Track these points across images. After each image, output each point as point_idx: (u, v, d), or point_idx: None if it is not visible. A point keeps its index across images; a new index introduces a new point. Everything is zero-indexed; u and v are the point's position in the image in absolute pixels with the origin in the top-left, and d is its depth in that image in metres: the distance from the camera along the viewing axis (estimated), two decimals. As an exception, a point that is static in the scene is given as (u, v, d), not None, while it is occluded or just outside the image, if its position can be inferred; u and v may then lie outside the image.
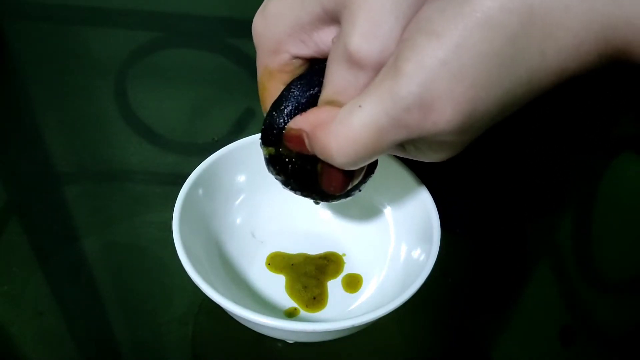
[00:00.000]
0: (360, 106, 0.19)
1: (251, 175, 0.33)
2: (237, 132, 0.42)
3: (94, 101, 0.45)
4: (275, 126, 0.23)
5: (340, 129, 0.19)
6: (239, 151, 0.32)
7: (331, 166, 0.21)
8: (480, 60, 0.17)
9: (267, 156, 0.24)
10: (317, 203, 0.27)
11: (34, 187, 0.38)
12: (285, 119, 0.23)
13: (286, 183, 0.25)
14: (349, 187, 0.24)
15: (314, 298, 0.30)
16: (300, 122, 0.22)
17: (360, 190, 0.26)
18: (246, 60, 0.48)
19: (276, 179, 0.25)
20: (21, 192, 0.38)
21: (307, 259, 0.32)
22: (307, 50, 0.23)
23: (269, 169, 0.25)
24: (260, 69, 0.25)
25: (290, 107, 0.23)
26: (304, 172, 0.24)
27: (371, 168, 0.25)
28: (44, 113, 0.44)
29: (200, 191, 0.30)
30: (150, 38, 0.51)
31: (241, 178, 0.33)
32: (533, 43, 0.17)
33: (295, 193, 0.25)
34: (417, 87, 0.18)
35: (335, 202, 0.26)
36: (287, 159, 0.24)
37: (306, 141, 0.22)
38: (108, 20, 0.53)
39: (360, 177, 0.24)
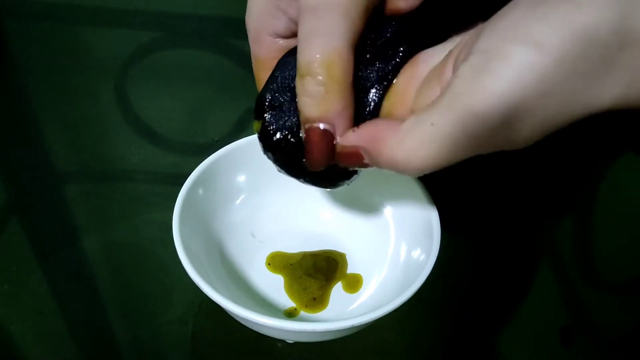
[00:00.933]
0: (432, 124, 0.18)
1: (251, 175, 0.33)
2: (237, 132, 0.42)
3: (94, 101, 0.45)
4: (264, 99, 0.23)
5: (408, 144, 0.19)
6: (239, 151, 0.32)
7: (322, 133, 0.21)
8: (575, 77, 0.16)
9: (257, 131, 0.24)
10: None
11: (34, 187, 0.38)
12: (273, 89, 0.23)
13: (274, 160, 0.24)
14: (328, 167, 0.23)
15: (314, 299, 0.30)
16: (353, 139, 0.21)
17: (348, 184, 0.25)
18: (246, 60, 0.48)
19: (266, 155, 0.24)
20: (21, 192, 0.38)
21: (307, 259, 0.32)
22: (282, 24, 0.23)
23: (261, 146, 0.24)
24: (253, 62, 0.25)
25: (279, 77, 0.23)
26: (292, 149, 0.23)
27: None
28: (44, 113, 0.44)
29: (200, 191, 0.30)
30: (151, 38, 0.51)
31: (241, 178, 0.33)
32: (625, 67, 0.16)
33: (284, 172, 0.25)
34: (505, 106, 0.16)
35: (324, 188, 0.25)
36: (275, 135, 0.23)
37: (365, 157, 0.21)
38: (108, 20, 0.53)
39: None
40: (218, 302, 0.24)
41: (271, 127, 0.23)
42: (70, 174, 0.39)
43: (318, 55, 0.20)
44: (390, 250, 0.32)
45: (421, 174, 0.20)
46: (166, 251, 0.33)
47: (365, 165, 0.21)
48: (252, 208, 0.33)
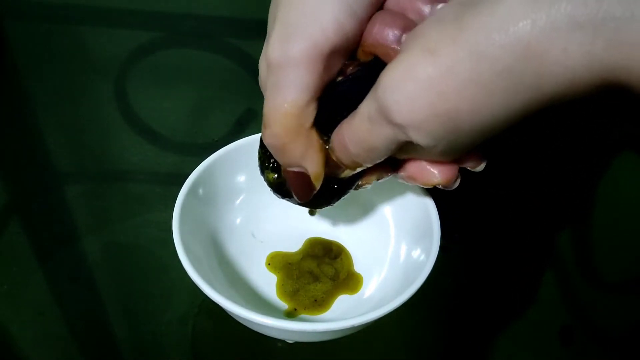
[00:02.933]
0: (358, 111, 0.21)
1: (251, 175, 0.33)
2: (237, 132, 0.42)
3: (94, 101, 0.45)
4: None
5: (347, 129, 0.22)
6: (239, 151, 0.31)
7: (295, 175, 0.24)
8: (467, 87, 0.18)
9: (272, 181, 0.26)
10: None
11: (34, 187, 0.38)
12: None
13: (269, 184, 0.26)
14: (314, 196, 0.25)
15: (316, 301, 0.30)
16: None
17: (332, 204, 0.26)
18: (246, 60, 0.48)
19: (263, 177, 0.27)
20: (21, 192, 0.38)
21: (308, 260, 0.32)
22: None
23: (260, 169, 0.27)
24: None
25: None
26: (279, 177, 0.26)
27: (351, 182, 0.26)
28: (44, 113, 0.44)
29: (200, 191, 0.30)
30: (151, 38, 0.51)
31: (241, 178, 0.33)
32: (528, 76, 0.17)
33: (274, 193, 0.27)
34: (401, 96, 0.19)
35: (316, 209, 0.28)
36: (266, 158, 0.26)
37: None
38: (108, 20, 0.53)
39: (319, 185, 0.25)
40: (218, 302, 0.24)
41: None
42: (70, 174, 0.39)
43: (274, 107, 0.22)
44: (390, 250, 0.32)
45: (369, 159, 0.22)
46: (166, 251, 0.33)
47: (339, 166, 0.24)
48: (252, 208, 0.33)
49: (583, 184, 0.41)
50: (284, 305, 0.30)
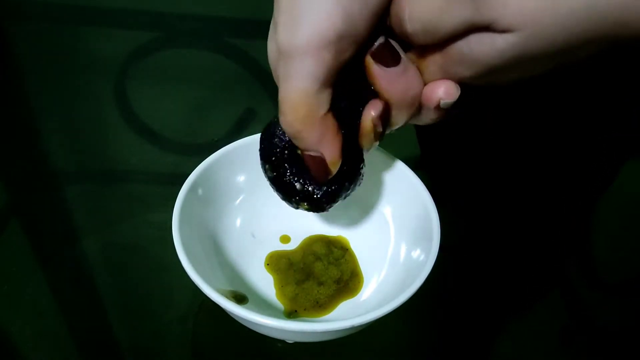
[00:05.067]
0: None
1: (251, 175, 0.33)
2: (237, 132, 0.42)
3: (94, 101, 0.45)
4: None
5: (411, 2, 0.20)
6: (239, 151, 0.31)
7: (312, 158, 0.24)
8: None
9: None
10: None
11: (34, 187, 0.38)
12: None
13: (272, 180, 0.26)
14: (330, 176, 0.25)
15: (317, 303, 0.30)
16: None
17: (338, 201, 0.27)
18: (246, 60, 0.48)
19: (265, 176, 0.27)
20: (21, 192, 0.38)
21: (309, 259, 0.32)
22: None
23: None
24: None
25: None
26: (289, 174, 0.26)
27: (353, 177, 0.26)
28: (44, 113, 0.44)
29: (200, 191, 0.30)
30: (150, 38, 0.51)
31: (241, 178, 0.33)
32: None
33: (278, 194, 0.27)
34: None
35: (320, 212, 0.27)
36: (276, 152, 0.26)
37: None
38: (108, 20, 0.53)
39: (339, 164, 0.25)
40: (218, 302, 0.24)
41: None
42: (70, 174, 0.39)
43: (287, 96, 0.22)
44: (390, 250, 0.32)
45: (428, 32, 0.20)
46: (166, 251, 0.33)
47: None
48: (251, 208, 0.33)
49: (583, 184, 0.41)
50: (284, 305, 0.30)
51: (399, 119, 0.24)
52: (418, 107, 0.24)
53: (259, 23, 0.52)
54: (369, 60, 0.22)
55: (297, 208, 0.27)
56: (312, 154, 0.24)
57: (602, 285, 0.35)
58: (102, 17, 0.53)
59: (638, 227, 0.38)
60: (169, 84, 0.47)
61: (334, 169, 0.24)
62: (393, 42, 0.22)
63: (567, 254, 0.37)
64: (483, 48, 0.20)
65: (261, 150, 0.26)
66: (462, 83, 0.23)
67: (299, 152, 0.24)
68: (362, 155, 0.26)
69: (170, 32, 0.53)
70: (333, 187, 0.25)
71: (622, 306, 0.34)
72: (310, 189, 0.25)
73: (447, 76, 0.22)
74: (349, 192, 0.26)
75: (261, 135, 0.26)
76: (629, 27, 0.18)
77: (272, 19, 0.23)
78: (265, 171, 0.26)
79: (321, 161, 0.24)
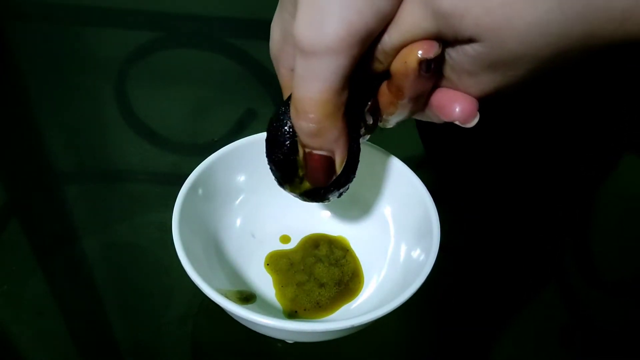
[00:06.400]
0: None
1: (251, 175, 0.33)
2: (237, 132, 0.42)
3: (94, 101, 0.45)
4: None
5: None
6: (239, 151, 0.31)
7: (320, 158, 0.23)
8: None
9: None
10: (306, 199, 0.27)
11: (34, 187, 0.38)
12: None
13: (274, 172, 0.26)
14: (332, 179, 0.25)
15: (317, 303, 0.30)
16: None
17: (338, 196, 0.26)
18: (246, 60, 0.48)
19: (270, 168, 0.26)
20: (21, 192, 0.38)
21: (310, 259, 0.32)
22: (293, 60, 0.24)
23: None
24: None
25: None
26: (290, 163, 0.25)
27: (351, 169, 0.26)
28: (44, 113, 0.44)
29: (200, 191, 0.30)
30: (151, 38, 0.51)
31: (241, 178, 0.33)
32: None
33: (283, 187, 0.26)
34: None
35: (319, 202, 0.27)
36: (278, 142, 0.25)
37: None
38: (108, 20, 0.53)
39: (341, 170, 0.24)
40: (218, 302, 0.24)
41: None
42: (70, 174, 0.39)
43: (311, 95, 0.21)
44: (390, 250, 0.32)
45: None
46: (166, 251, 0.33)
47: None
48: (252, 208, 0.33)
49: (583, 184, 0.41)
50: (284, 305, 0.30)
51: (403, 112, 0.24)
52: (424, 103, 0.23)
53: (259, 23, 0.52)
54: (412, 64, 0.21)
55: (293, 192, 0.26)
56: (323, 153, 0.23)
57: (602, 285, 0.35)
58: (102, 17, 0.53)
59: (637, 227, 0.38)
60: (169, 84, 0.47)
61: (340, 168, 0.24)
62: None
63: (566, 253, 0.37)
64: (459, 56, 0.20)
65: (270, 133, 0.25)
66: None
67: (302, 153, 0.24)
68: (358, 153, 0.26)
69: (170, 32, 0.53)
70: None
71: (622, 305, 0.34)
72: None
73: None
74: (348, 185, 0.26)
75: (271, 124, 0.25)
76: (595, 37, 0.18)
77: (280, 3, 0.22)
78: (272, 152, 0.25)
79: (330, 162, 0.23)
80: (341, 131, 0.22)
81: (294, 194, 0.27)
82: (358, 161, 0.26)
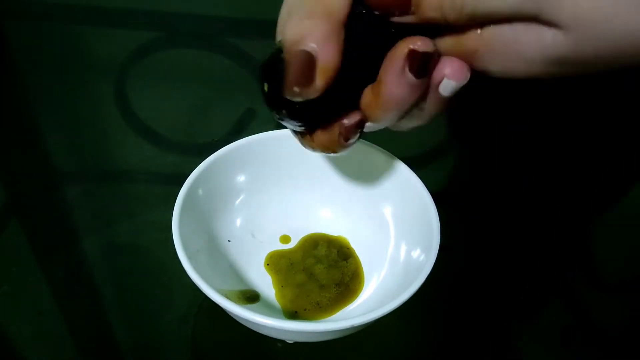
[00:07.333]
0: None
1: (251, 175, 0.33)
2: (237, 132, 0.42)
3: (94, 101, 0.45)
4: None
5: None
6: (239, 151, 0.31)
7: (302, 54, 0.20)
8: None
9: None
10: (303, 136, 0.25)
11: (34, 187, 0.38)
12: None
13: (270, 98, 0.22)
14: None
15: (318, 304, 0.30)
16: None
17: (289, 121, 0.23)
18: (246, 60, 0.48)
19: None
20: (21, 192, 0.38)
21: (310, 260, 0.32)
22: None
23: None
24: None
25: None
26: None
27: (337, 105, 0.23)
28: (44, 113, 0.44)
29: (200, 191, 0.30)
30: (150, 38, 0.51)
31: (241, 178, 0.33)
32: None
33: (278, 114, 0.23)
34: None
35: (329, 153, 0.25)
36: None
37: None
38: (108, 20, 0.53)
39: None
40: (218, 302, 0.24)
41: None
42: (70, 174, 0.39)
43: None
44: (390, 250, 0.32)
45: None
46: (166, 251, 0.33)
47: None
48: (252, 208, 0.33)
49: (583, 184, 0.41)
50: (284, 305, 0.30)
51: (385, 117, 0.22)
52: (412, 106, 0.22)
53: (259, 23, 0.52)
54: (398, 60, 0.20)
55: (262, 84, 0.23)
56: (306, 48, 0.19)
57: (602, 285, 0.35)
58: (102, 17, 0.53)
59: (638, 227, 0.38)
60: (169, 84, 0.47)
61: (321, 80, 0.20)
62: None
63: (567, 254, 0.37)
64: (528, 39, 0.18)
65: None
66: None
67: (286, 52, 0.20)
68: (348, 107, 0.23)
69: (170, 32, 0.53)
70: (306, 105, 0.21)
71: (622, 306, 0.34)
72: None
73: (471, 65, 0.20)
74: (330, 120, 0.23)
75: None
76: None
77: None
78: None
79: (311, 61, 0.20)
80: (330, 34, 0.19)
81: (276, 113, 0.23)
82: (345, 113, 0.23)
